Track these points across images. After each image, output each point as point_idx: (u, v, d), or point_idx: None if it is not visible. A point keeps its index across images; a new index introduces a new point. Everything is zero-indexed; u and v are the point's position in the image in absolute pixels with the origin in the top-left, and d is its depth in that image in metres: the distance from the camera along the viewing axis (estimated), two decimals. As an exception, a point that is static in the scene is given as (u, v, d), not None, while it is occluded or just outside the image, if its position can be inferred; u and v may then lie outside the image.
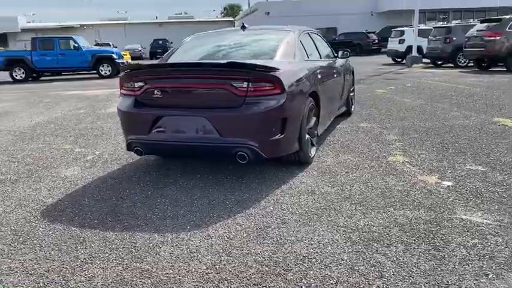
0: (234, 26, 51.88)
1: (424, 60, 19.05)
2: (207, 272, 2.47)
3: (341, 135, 5.70)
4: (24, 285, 2.41)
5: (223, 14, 74.52)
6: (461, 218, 3.03)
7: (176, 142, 3.81)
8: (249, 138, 3.63)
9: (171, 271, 2.50)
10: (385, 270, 2.40)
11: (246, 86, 3.60)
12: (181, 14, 65.93)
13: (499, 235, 2.75)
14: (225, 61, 3.69)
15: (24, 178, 4.41)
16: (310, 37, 5.32)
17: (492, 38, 13.77)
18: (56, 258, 2.70)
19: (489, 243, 2.65)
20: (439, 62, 18.09)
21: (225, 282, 2.36)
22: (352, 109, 7.19)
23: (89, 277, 2.47)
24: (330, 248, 2.68)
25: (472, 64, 16.08)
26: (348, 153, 4.82)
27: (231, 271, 2.46)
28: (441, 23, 26.52)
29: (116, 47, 25.26)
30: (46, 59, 18.26)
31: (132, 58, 30.98)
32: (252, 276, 2.40)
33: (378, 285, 2.27)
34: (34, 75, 19.07)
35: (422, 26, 22.60)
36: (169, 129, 3.82)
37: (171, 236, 2.93)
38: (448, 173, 3.99)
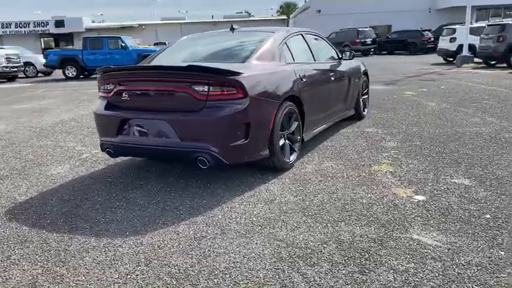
0: (287, 25, 51.72)
1: (477, 60, 17.90)
2: (115, 281, 2.44)
3: (339, 140, 5.46)
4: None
5: (278, 12, 74.32)
6: (411, 238, 2.78)
7: (140, 145, 3.82)
8: (208, 143, 3.55)
9: (83, 278, 2.49)
10: (293, 292, 2.25)
11: (206, 90, 3.53)
12: (241, 12, 66.59)
13: (441, 260, 2.49)
14: (185, 64, 3.65)
15: (14, 175, 4.61)
16: (304, 39, 5.13)
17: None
18: (-11, 257, 2.78)
19: (424, 270, 2.41)
20: (492, 62, 16.92)
21: (127, 293, 2.32)
22: (365, 113, 6.87)
23: (4, 279, 2.51)
24: (251, 264, 2.55)
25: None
26: (335, 160, 4.60)
27: (138, 282, 2.41)
28: (498, 20, 24.81)
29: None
30: (96, 58, 19.07)
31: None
32: (156, 289, 2.34)
33: (276, 308, 2.13)
34: (85, 73, 20.03)
35: (476, 24, 21.23)
36: (134, 132, 3.83)
37: (105, 241, 2.93)
38: (427, 186, 3.70)
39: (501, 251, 2.58)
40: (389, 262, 2.50)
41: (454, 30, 19.92)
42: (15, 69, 19.46)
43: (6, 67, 18.92)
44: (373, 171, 4.18)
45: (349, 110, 6.25)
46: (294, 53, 4.66)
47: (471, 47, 17.90)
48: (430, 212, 3.18)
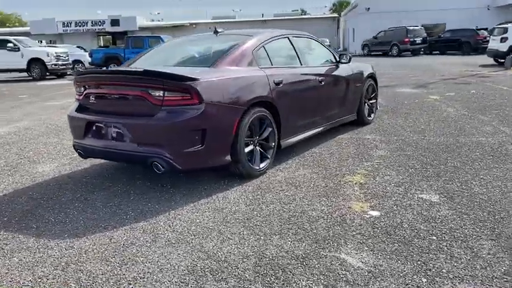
0: (338, 23, 50.84)
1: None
2: (25, 284, 2.49)
3: (329, 146, 5.29)
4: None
5: (331, 10, 73.28)
6: (338, 257, 2.64)
7: (103, 148, 3.88)
8: (162, 148, 3.56)
9: (-1, 279, 2.56)
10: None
11: (162, 95, 3.54)
12: (297, 10, 66.39)
13: (354, 285, 2.34)
14: (141, 69, 3.67)
15: (5, 171, 4.84)
16: (291, 42, 4.99)
17: None
18: None
19: (329, 293, 2.27)
20: (545, 65, 15.72)
21: (28, 297, 2.36)
22: (371, 118, 6.59)
23: None
24: (160, 275, 2.52)
25: None
26: (311, 168, 4.46)
27: (45, 287, 2.45)
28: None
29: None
30: (137, 56, 19.71)
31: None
32: (56, 295, 2.36)
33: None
34: (128, 70, 20.76)
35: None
36: (96, 135, 3.91)
37: (42, 242, 3.00)
38: (389, 201, 3.49)
39: (424, 278, 2.38)
40: (298, 283, 2.38)
41: (505, 30, 18.67)
42: (64, 66, 20.50)
43: (56, 64, 20.00)
44: (342, 182, 4.00)
45: (349, 115, 6.03)
46: (272, 57, 4.55)
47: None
48: (375, 230, 3.00)
